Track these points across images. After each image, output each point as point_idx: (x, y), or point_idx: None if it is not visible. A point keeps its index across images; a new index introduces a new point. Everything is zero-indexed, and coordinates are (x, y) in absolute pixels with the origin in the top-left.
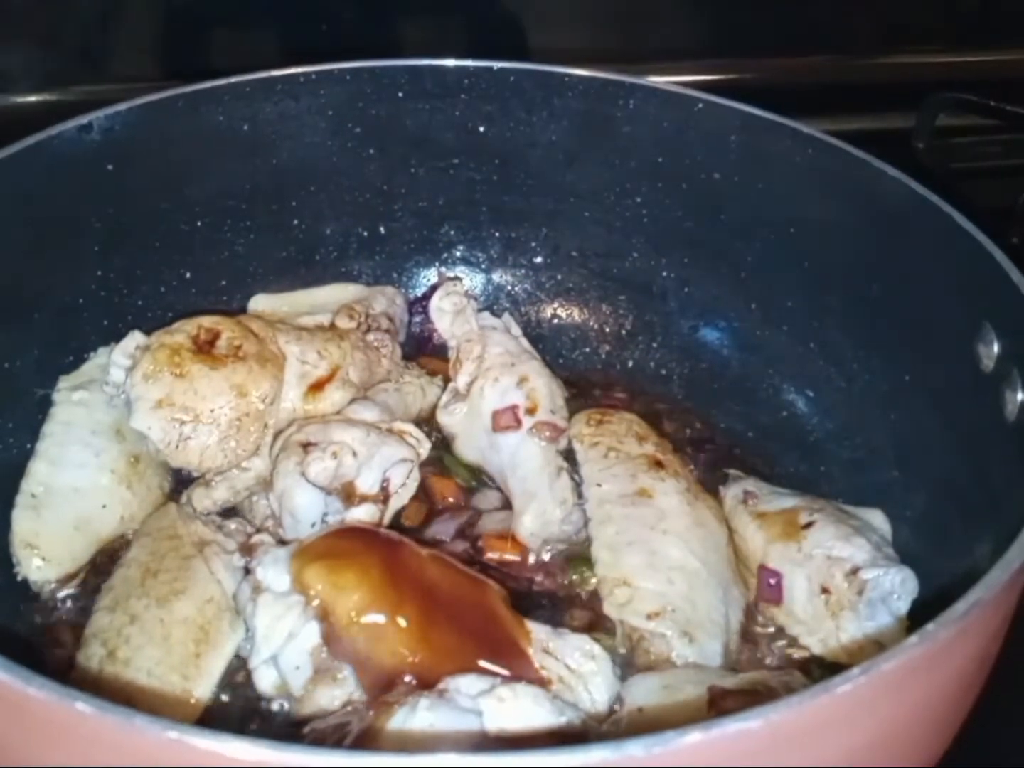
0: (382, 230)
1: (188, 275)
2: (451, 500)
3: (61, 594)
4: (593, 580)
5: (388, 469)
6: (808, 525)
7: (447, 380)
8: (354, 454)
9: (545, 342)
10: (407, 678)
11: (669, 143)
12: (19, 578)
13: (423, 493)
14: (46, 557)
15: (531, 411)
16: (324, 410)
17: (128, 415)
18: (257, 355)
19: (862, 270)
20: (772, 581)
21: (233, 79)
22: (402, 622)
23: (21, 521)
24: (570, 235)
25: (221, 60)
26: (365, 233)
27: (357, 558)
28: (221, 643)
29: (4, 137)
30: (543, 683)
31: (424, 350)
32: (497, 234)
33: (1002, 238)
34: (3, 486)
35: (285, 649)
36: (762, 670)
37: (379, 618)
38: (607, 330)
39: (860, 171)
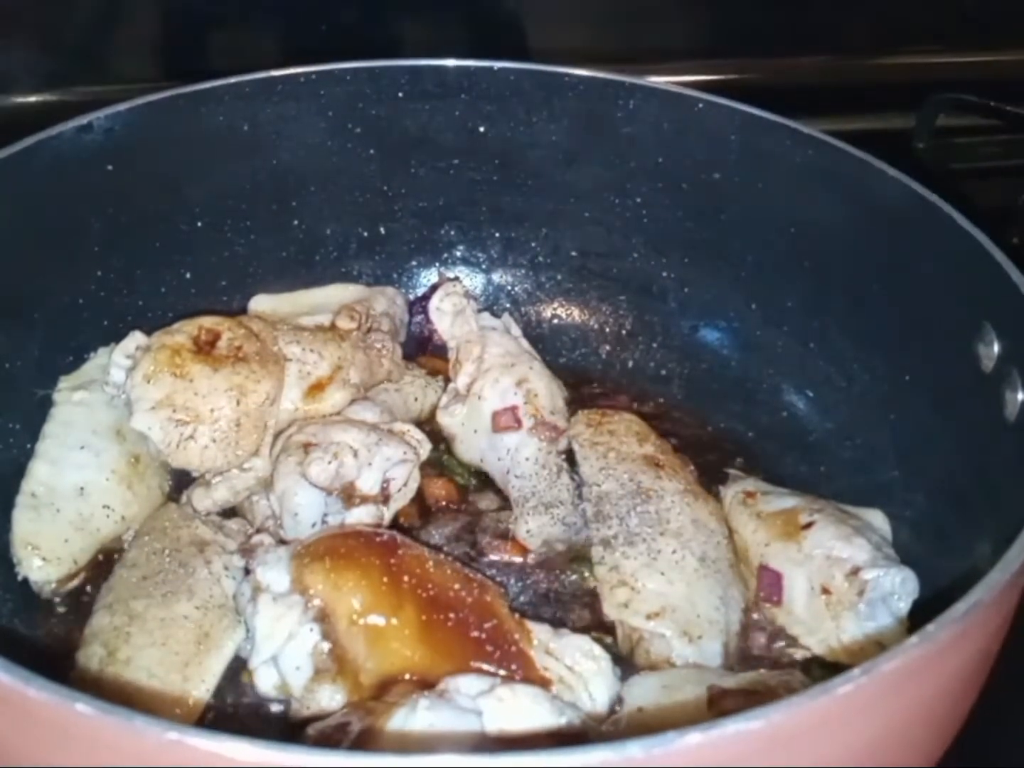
0: (382, 230)
1: (188, 275)
2: (451, 501)
3: (61, 594)
4: (593, 580)
5: (388, 470)
6: (808, 525)
7: (447, 381)
8: (355, 454)
9: (545, 342)
10: (407, 678)
11: (669, 143)
12: (20, 578)
13: (423, 494)
14: (47, 557)
15: (531, 412)
16: (325, 411)
17: (128, 415)
18: (258, 356)
19: (862, 270)
20: (772, 581)
21: (233, 79)
22: (402, 623)
23: (22, 521)
24: (570, 235)
25: (221, 60)
26: (365, 233)
27: (357, 559)
28: (221, 643)
29: (4, 137)
30: (545, 683)
31: (424, 350)
32: (497, 234)
33: (1002, 238)
34: (4, 486)
35: (285, 649)
36: (762, 670)
37: (379, 619)
38: (607, 330)
39: (860, 171)
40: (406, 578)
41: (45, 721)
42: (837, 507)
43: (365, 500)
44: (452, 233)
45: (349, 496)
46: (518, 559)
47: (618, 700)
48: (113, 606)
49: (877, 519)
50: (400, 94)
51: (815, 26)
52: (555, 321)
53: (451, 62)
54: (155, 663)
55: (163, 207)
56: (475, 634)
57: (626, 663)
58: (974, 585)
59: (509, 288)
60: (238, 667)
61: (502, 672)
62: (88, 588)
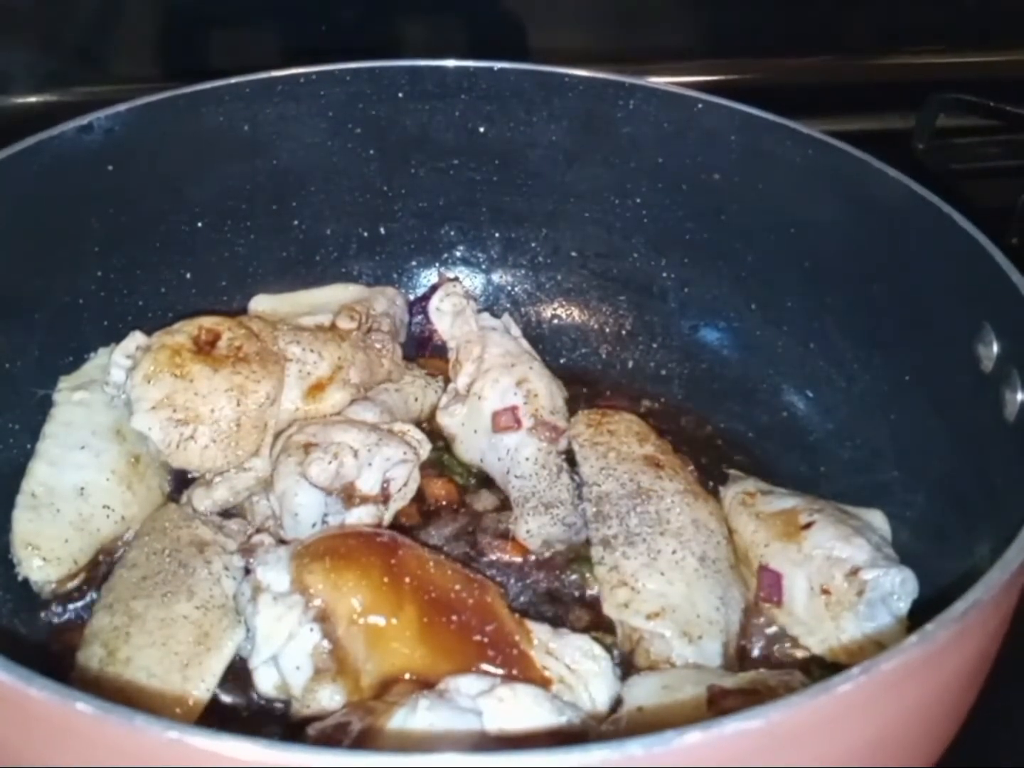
0: (382, 230)
1: (188, 275)
2: (451, 501)
3: (61, 594)
4: (593, 580)
5: (388, 470)
6: (808, 525)
7: (447, 381)
8: (355, 455)
9: (545, 342)
10: (407, 678)
11: (669, 143)
12: (20, 578)
13: (423, 494)
14: (47, 557)
15: (531, 412)
16: (325, 411)
17: (128, 416)
18: (258, 356)
19: (862, 270)
20: (772, 582)
21: (233, 79)
22: (402, 623)
23: (22, 521)
24: (570, 235)
25: (221, 60)
26: (365, 233)
27: (357, 559)
28: (221, 643)
29: (4, 137)
30: (545, 683)
31: (424, 351)
32: (497, 234)
33: (1002, 238)
34: (3, 486)
35: (285, 649)
36: (762, 670)
37: (379, 619)
38: (607, 330)
39: (860, 171)
40: (407, 579)
41: (45, 721)
42: (837, 507)
43: (365, 500)
44: (452, 233)
45: (349, 496)
46: (518, 559)
47: (618, 700)
48: (113, 606)
49: (877, 519)
50: (400, 94)
51: (815, 26)
52: (555, 321)
53: (451, 62)
54: (155, 663)
55: (163, 207)
56: (476, 637)
57: (626, 663)
58: (973, 585)
59: (509, 288)
60: (238, 667)
61: (503, 672)
62: (88, 588)
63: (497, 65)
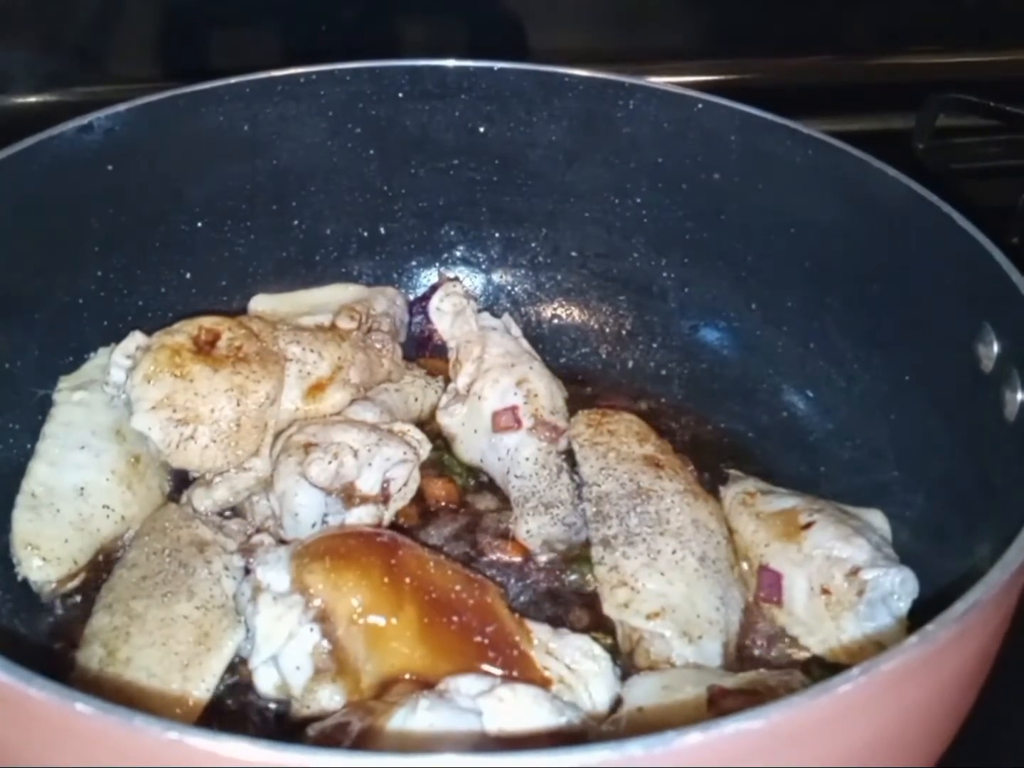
0: (382, 230)
1: (188, 275)
2: (451, 501)
3: (61, 594)
4: (593, 580)
5: (388, 470)
6: (808, 525)
7: (447, 381)
8: (355, 455)
9: (545, 342)
10: (407, 678)
11: (669, 143)
12: (20, 578)
13: (423, 494)
14: (47, 557)
15: (531, 412)
16: (325, 411)
17: (128, 416)
18: (258, 356)
19: (862, 270)
20: (772, 582)
21: (233, 79)
22: (402, 623)
23: (22, 521)
24: (570, 235)
25: (221, 60)
26: (365, 233)
27: (357, 559)
28: (221, 643)
29: (4, 137)
30: (545, 683)
31: (424, 351)
32: (497, 234)
33: (1002, 238)
34: (3, 486)
35: (285, 649)
36: (762, 670)
37: (379, 619)
38: (607, 330)
39: (860, 171)
40: (407, 579)
41: (45, 721)
42: (837, 507)
43: (365, 500)
44: (452, 233)
45: (349, 496)
46: (518, 559)
47: (618, 700)
48: (113, 606)
49: (877, 519)
50: (400, 94)
51: (815, 26)
52: (555, 321)
53: (451, 62)
54: (155, 663)
55: (163, 207)
56: (477, 638)
57: (626, 663)
58: (974, 585)
59: (509, 288)
60: (238, 667)
61: (503, 672)
62: (88, 588)
63: (497, 65)
